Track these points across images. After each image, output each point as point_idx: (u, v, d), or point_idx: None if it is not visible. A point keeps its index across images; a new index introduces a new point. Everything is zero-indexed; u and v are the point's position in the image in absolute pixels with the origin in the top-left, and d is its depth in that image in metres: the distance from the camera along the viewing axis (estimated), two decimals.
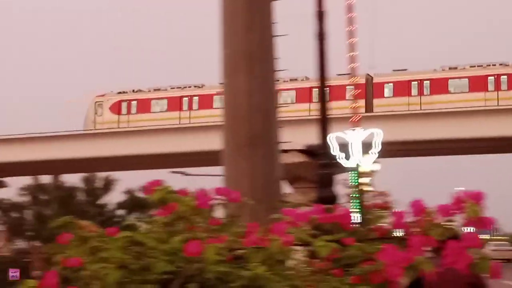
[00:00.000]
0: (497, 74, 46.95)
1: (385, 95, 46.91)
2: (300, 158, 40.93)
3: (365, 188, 16.06)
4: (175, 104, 48.78)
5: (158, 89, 50.50)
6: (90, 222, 2.65)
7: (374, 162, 24.55)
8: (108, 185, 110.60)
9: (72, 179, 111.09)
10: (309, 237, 2.89)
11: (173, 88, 50.23)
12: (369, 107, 45.68)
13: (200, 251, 2.71)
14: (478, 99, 46.18)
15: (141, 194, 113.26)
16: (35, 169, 58.41)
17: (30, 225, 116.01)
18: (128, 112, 49.83)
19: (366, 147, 23.27)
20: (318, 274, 2.89)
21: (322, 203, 3.20)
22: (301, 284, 2.75)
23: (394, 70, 49.27)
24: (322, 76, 11.65)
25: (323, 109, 11.49)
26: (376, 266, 2.64)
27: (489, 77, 46.87)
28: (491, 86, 46.72)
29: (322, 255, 2.77)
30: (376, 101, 46.49)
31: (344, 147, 20.53)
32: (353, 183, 15.87)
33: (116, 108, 50.38)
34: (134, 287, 2.66)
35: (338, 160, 19.70)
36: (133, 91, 50.88)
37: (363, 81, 44.21)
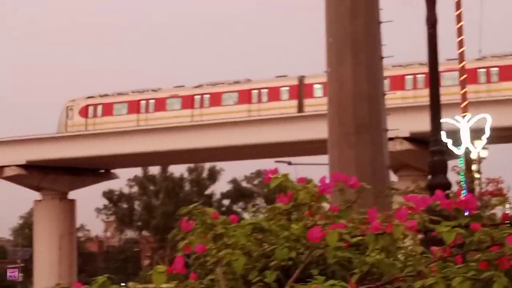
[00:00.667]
0: None
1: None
2: (405, 146, 40.45)
3: (476, 175, 15.71)
4: (134, 107, 50.86)
5: (121, 93, 52.97)
6: (213, 210, 2.71)
7: (483, 148, 24.00)
8: (213, 175, 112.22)
9: (179, 170, 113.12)
10: (430, 223, 2.86)
11: (134, 92, 52.43)
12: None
13: (322, 237, 2.72)
14: None
15: (245, 184, 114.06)
16: (143, 160, 59.72)
17: (139, 215, 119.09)
18: (94, 116, 52.26)
19: (475, 133, 22.77)
20: (439, 260, 2.86)
21: (435, 190, 3.16)
22: (426, 270, 2.73)
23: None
24: (434, 62, 11.46)
25: (435, 95, 11.29)
26: (505, 251, 2.59)
27: None
28: None
29: (448, 240, 2.73)
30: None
31: (453, 133, 20.14)
32: (464, 170, 15.57)
33: (84, 112, 52.84)
34: (256, 274, 2.70)
35: (448, 147, 19.32)
36: (100, 95, 53.60)
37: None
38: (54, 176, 52.33)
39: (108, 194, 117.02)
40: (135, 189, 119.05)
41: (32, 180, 52.11)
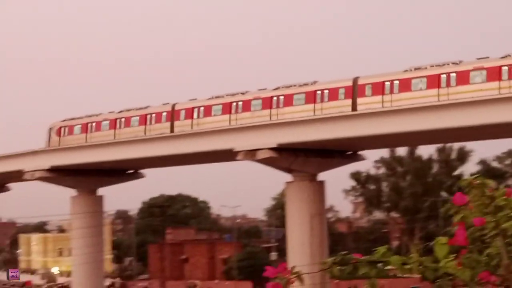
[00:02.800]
0: None
1: None
2: None
3: None
4: (83, 129, 64.45)
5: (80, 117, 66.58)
6: (493, 181, 2.68)
7: None
8: (463, 156, 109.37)
9: (428, 151, 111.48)
10: None
11: (89, 116, 65.63)
12: None
13: None
14: None
15: (496, 164, 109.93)
16: (391, 141, 59.52)
17: (387, 196, 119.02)
18: (64, 135, 65.75)
19: None
20: None
21: None
22: None
23: None
24: None
25: None
26: None
27: None
28: None
29: None
30: None
31: None
32: None
33: (58, 132, 66.11)
34: None
35: None
36: (72, 118, 67.05)
37: None
38: (304, 158, 53.76)
39: (356, 176, 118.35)
40: (382, 170, 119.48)
41: (283, 162, 53.88)
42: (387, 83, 48.78)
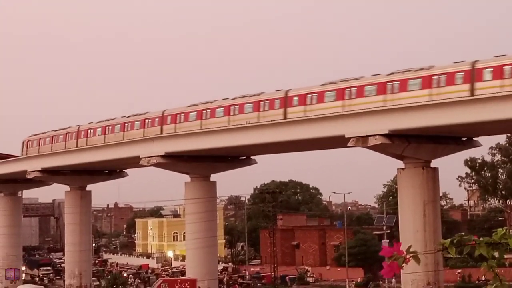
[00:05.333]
0: None
1: None
2: None
3: None
4: (41, 143, 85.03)
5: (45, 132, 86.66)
6: None
7: None
8: None
9: None
10: None
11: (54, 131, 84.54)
12: None
13: None
14: None
15: None
16: (508, 127, 57.85)
17: (503, 183, 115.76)
18: (29, 147, 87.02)
19: None
20: None
21: None
22: None
23: None
24: None
25: None
26: None
27: None
28: None
29: None
30: None
31: None
32: None
33: (26, 145, 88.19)
34: None
35: None
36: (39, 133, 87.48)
37: None
38: (416, 145, 52.97)
39: (470, 163, 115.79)
40: (498, 157, 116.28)
41: (395, 149, 53.26)
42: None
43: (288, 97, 58.82)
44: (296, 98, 58.19)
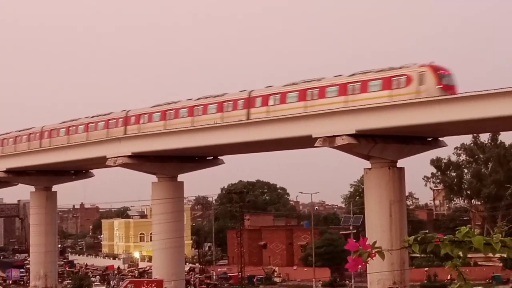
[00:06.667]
0: None
1: None
2: None
3: None
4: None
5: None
6: None
7: None
8: None
9: (510, 137, 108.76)
10: None
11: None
12: None
13: None
14: None
15: None
16: (473, 127, 58.39)
17: (468, 183, 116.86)
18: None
19: None
20: None
21: None
22: None
23: None
24: None
25: None
26: None
27: None
28: None
29: None
30: None
31: None
32: None
33: None
34: None
35: None
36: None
37: None
38: (382, 145, 53.25)
39: (436, 162, 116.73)
40: (463, 157, 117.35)
41: (362, 149, 53.50)
42: None
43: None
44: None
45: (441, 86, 48.98)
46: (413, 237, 2.82)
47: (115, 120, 69.77)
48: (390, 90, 50.63)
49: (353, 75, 53.65)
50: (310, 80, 56.14)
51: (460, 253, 2.96)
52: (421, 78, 49.64)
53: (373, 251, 2.43)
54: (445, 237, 2.89)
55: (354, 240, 2.56)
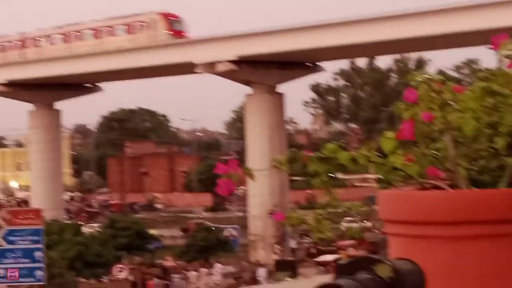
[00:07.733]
0: None
1: None
2: None
3: None
4: None
5: None
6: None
7: None
8: (420, 66, 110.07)
9: (386, 62, 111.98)
10: None
11: None
12: None
13: None
14: None
15: (454, 74, 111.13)
16: (349, 52, 59.57)
17: (346, 108, 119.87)
18: None
19: None
20: None
21: None
22: None
23: None
24: None
25: None
26: None
27: None
28: None
29: None
30: None
31: None
32: None
33: None
34: (484, 140, 2.65)
35: None
36: None
37: None
38: (263, 71, 53.70)
39: (315, 88, 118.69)
40: (341, 82, 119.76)
41: (243, 74, 53.79)
42: None
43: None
44: None
45: (171, 32, 55.02)
46: (282, 156, 2.84)
47: None
48: (133, 34, 55.72)
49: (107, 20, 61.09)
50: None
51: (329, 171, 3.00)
52: (153, 24, 55.06)
53: (244, 173, 2.43)
54: (312, 155, 2.92)
55: (224, 164, 2.54)
